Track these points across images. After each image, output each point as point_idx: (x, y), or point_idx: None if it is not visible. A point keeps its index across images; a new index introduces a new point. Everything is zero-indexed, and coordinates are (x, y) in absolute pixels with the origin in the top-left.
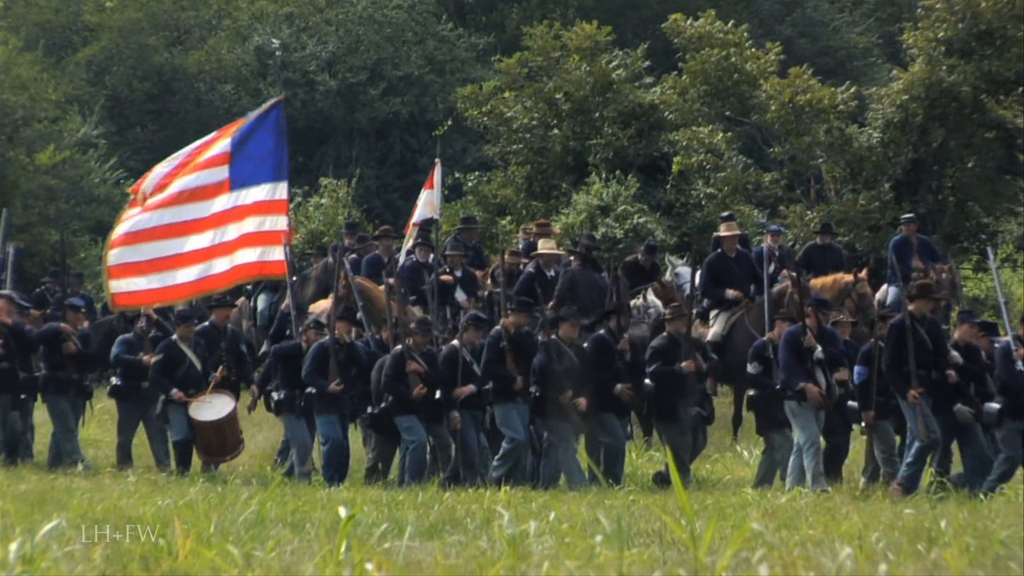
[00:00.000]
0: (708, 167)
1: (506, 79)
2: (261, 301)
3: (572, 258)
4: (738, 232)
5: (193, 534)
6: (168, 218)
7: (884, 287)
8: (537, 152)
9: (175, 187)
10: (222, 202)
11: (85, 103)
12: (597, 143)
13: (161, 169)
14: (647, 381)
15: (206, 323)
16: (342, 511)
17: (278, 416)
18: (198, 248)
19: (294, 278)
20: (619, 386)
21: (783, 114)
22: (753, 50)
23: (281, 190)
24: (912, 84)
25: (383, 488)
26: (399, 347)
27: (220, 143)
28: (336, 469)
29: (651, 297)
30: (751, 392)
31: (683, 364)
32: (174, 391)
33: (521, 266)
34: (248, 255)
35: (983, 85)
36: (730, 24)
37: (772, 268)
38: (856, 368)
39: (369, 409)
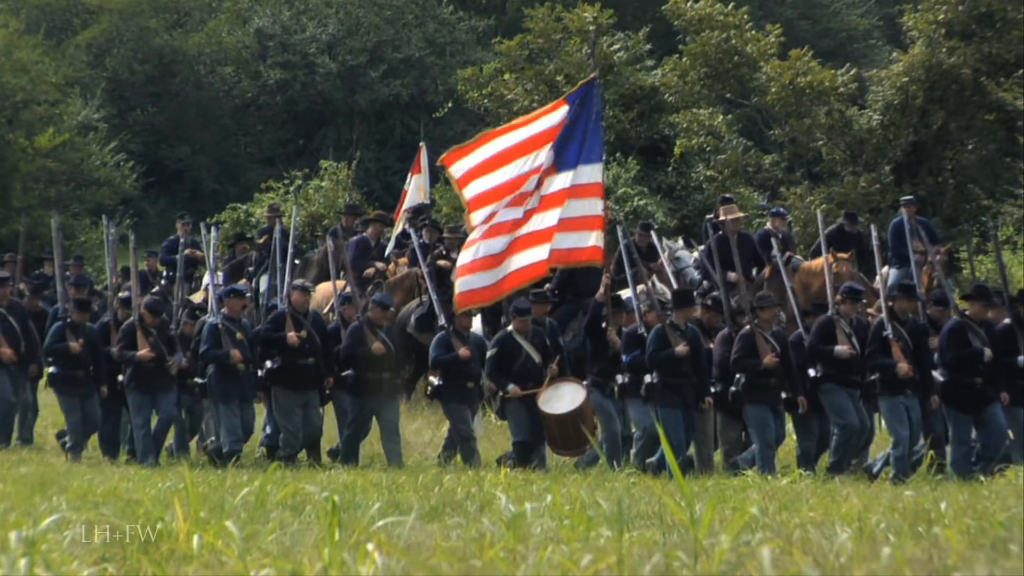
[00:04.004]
0: (708, 149)
1: (507, 61)
2: (264, 282)
3: None
4: (740, 215)
5: (192, 517)
6: (496, 217)
7: (885, 269)
8: None
9: (498, 181)
10: (547, 186)
11: (86, 86)
12: None
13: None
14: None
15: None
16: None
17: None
18: (521, 235)
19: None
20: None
21: (783, 96)
22: (753, 32)
23: (597, 172)
24: (912, 66)
25: (383, 471)
26: (748, 327)
27: (541, 122)
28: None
29: (660, 285)
30: None
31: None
32: (511, 386)
33: None
34: (565, 240)
35: (983, 67)
36: (730, 6)
37: (776, 251)
38: None
39: (712, 389)
